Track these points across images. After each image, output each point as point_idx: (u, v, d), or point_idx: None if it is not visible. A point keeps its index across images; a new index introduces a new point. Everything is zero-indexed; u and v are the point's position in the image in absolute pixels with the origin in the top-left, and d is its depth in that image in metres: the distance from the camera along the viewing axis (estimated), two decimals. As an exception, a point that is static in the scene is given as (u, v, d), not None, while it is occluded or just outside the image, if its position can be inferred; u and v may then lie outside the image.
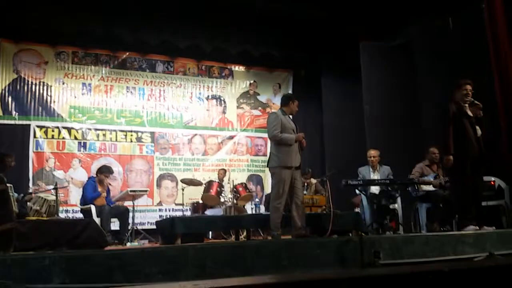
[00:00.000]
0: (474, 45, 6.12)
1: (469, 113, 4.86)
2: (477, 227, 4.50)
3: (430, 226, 5.97)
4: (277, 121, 5.14)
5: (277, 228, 4.99)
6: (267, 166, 5.30)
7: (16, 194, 5.63)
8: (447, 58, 6.64)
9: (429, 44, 7.26)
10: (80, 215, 7.15)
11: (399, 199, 6.55)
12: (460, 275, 1.60)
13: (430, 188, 6.06)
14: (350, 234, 5.89)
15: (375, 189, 6.53)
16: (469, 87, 4.89)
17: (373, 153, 6.73)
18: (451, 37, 6.77)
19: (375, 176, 6.62)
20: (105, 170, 6.99)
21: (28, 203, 5.71)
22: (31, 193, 6.15)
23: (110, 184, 7.30)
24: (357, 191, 6.70)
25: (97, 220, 6.09)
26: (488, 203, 5.17)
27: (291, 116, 5.40)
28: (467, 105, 4.90)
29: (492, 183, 5.78)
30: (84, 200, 6.70)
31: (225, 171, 8.17)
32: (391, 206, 6.50)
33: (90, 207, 6.42)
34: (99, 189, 6.80)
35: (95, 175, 7.01)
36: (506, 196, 5.64)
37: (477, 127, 4.85)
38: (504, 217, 5.62)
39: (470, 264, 1.75)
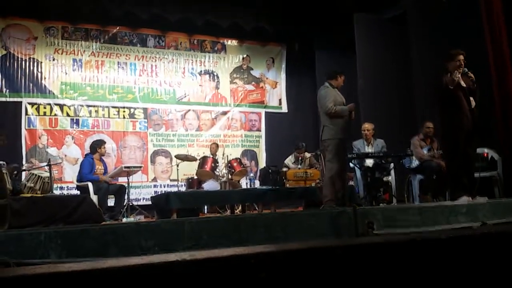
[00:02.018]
0: (468, 16, 6.06)
1: (462, 83, 4.82)
2: (470, 198, 4.54)
3: (423, 198, 6.03)
4: (329, 94, 5.21)
5: (336, 198, 5.03)
6: (321, 139, 5.27)
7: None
8: (442, 29, 6.58)
9: (424, 16, 7.19)
10: (75, 192, 7.15)
11: (392, 172, 6.60)
12: (454, 242, 1.61)
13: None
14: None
15: (369, 162, 6.56)
16: (461, 57, 4.82)
17: (367, 126, 6.74)
18: (446, 8, 6.69)
19: (369, 149, 6.65)
20: (98, 144, 6.96)
21: (22, 180, 5.69)
22: (24, 170, 6.11)
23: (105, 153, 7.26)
24: (351, 165, 6.73)
25: (95, 198, 6.08)
26: (481, 174, 5.21)
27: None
28: (460, 75, 4.85)
29: (485, 154, 5.81)
30: (80, 177, 6.68)
31: (217, 145, 8.16)
32: (384, 179, 6.55)
33: (87, 184, 6.40)
34: (97, 166, 6.79)
35: (90, 153, 6.95)
36: (499, 168, 5.68)
37: (471, 98, 4.82)
38: (496, 188, 5.67)
39: (464, 232, 1.77)
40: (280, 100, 10.17)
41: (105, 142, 7.24)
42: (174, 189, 7.80)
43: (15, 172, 5.83)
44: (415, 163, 6.31)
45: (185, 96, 9.36)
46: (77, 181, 6.75)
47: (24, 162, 7.78)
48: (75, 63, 8.57)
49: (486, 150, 5.80)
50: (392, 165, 6.45)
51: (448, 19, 6.53)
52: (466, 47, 5.03)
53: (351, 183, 7.20)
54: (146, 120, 8.93)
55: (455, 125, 4.73)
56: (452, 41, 5.96)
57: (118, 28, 8.91)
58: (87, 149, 7.58)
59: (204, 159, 7.30)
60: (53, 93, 8.32)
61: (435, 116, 5.17)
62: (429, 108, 6.16)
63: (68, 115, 8.37)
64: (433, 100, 5.05)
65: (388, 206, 5.45)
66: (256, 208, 7.32)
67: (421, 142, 6.32)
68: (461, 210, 3.79)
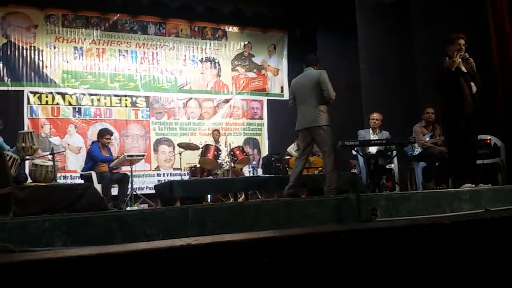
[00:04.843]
0: (472, 1, 5.99)
1: (463, 68, 4.77)
2: (473, 185, 4.52)
3: (426, 185, 6.03)
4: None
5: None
6: (317, 125, 5.12)
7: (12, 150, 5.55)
8: (444, 14, 6.51)
9: (426, 0, 7.10)
10: (79, 181, 7.16)
11: (395, 159, 6.59)
12: (457, 227, 1.62)
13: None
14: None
15: (372, 150, 6.56)
16: (462, 41, 4.75)
17: (376, 116, 6.72)
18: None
19: (374, 138, 6.63)
20: (105, 133, 6.94)
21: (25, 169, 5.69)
22: (27, 159, 6.11)
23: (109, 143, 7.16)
24: (353, 152, 6.71)
25: (98, 187, 6.09)
26: (484, 161, 5.19)
27: None
28: (460, 60, 4.79)
29: (488, 141, 5.78)
30: (93, 163, 6.63)
31: (219, 131, 8.18)
32: (387, 166, 6.55)
33: (90, 174, 6.40)
34: (103, 153, 6.79)
35: (96, 140, 6.95)
36: (502, 154, 5.65)
37: (472, 84, 4.78)
38: (500, 175, 5.65)
39: (467, 217, 1.77)
40: (282, 87, 10.14)
41: (112, 134, 7.16)
42: (177, 178, 7.82)
43: (19, 161, 5.83)
44: (417, 150, 6.29)
45: (187, 84, 9.34)
46: (84, 170, 6.73)
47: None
48: (76, 51, 8.54)
49: (489, 137, 5.77)
50: (395, 152, 6.43)
51: (450, 4, 6.45)
52: (469, 32, 4.97)
53: (354, 170, 7.21)
54: (148, 109, 8.92)
55: (455, 111, 4.69)
56: (454, 26, 5.89)
57: (118, 15, 8.87)
58: (89, 138, 7.59)
59: (206, 148, 7.30)
60: (55, 82, 8.31)
61: (436, 102, 5.13)
62: (431, 94, 6.12)
63: (70, 104, 8.37)
64: (434, 85, 5.00)
65: (391, 193, 5.45)
66: (259, 196, 7.34)
67: (422, 129, 6.30)
68: (464, 197, 3.79)
